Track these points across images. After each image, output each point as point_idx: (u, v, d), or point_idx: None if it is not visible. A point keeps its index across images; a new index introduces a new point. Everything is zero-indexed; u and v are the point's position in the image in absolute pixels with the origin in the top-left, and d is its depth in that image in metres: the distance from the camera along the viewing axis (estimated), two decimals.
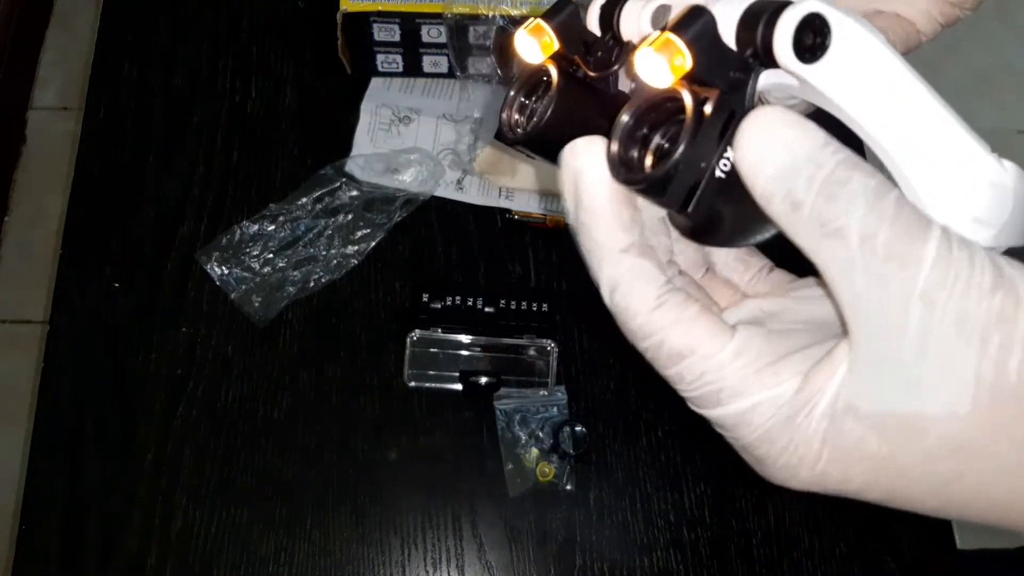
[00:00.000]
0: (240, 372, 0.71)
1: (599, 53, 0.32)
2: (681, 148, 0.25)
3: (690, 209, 0.26)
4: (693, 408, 0.27)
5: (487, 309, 0.70)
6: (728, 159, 0.26)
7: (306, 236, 0.75)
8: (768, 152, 0.23)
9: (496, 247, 0.76)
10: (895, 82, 0.26)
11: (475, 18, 0.74)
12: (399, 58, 0.79)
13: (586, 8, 0.33)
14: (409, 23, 0.75)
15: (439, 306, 0.70)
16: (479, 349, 0.70)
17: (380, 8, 0.74)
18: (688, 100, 0.26)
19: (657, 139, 0.28)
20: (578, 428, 0.69)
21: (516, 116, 0.33)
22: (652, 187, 0.26)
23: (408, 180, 0.77)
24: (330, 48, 0.78)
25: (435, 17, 0.74)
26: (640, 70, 0.26)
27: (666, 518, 0.68)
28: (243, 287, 0.73)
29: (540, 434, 0.70)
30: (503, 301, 0.70)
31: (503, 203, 0.77)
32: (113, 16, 0.85)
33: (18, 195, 1.65)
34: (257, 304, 0.73)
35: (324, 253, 0.75)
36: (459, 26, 0.74)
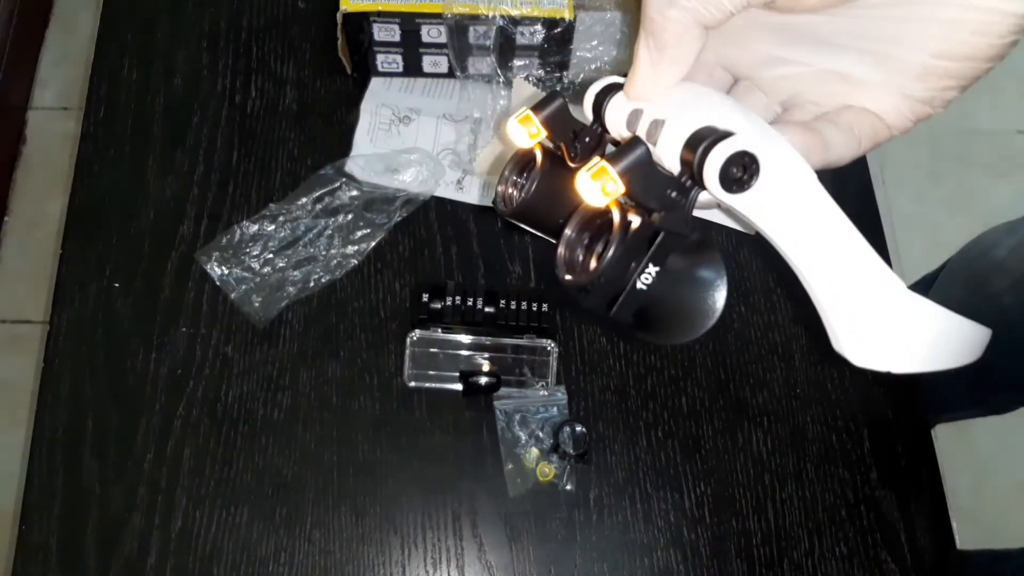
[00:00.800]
0: (240, 372, 0.71)
1: (587, 139, 0.36)
2: (604, 261, 0.30)
3: (612, 312, 0.31)
4: None
5: (487, 309, 0.70)
6: (651, 273, 0.30)
7: (306, 236, 0.75)
8: None
9: (496, 247, 0.76)
10: (819, 217, 0.30)
11: (475, 18, 0.74)
12: (399, 58, 0.79)
13: (581, 98, 0.36)
14: (409, 23, 0.75)
15: (439, 306, 0.70)
16: (479, 349, 0.70)
17: (380, 8, 0.74)
18: (616, 219, 0.30)
19: (599, 247, 0.33)
20: (578, 428, 0.69)
21: (510, 191, 0.38)
22: (581, 289, 0.31)
23: (408, 180, 0.77)
24: (330, 48, 0.78)
25: (435, 17, 0.74)
26: (580, 191, 0.30)
27: (666, 518, 0.68)
28: (243, 287, 0.73)
29: (540, 434, 0.70)
30: (503, 301, 0.70)
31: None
32: (113, 16, 0.85)
33: (18, 195, 1.65)
34: (257, 304, 0.73)
35: (324, 253, 0.75)
36: (459, 26, 0.74)
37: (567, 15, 0.75)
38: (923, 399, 0.71)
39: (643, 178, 0.30)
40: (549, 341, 0.70)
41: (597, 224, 0.33)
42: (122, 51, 0.83)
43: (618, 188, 0.29)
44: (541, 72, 0.78)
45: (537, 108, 0.35)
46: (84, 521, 0.66)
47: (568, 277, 0.33)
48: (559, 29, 0.75)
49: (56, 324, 0.72)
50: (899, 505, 0.70)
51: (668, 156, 0.31)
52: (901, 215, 1.65)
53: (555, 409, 0.70)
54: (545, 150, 0.36)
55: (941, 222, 1.64)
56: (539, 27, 0.75)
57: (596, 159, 0.30)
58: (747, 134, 0.29)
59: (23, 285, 1.57)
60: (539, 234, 0.37)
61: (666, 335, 0.32)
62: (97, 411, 0.69)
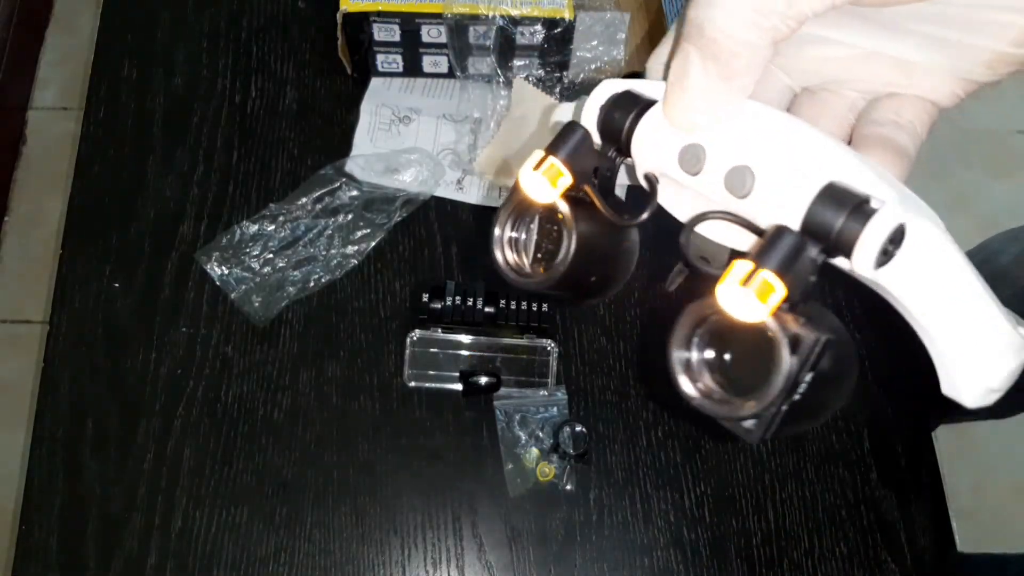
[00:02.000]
0: (240, 372, 0.71)
1: (607, 172, 0.30)
2: (777, 391, 0.24)
3: (769, 435, 0.26)
4: None
5: (487, 309, 0.70)
6: (806, 382, 0.24)
7: (306, 236, 0.75)
8: None
9: None
10: (952, 277, 0.26)
11: (475, 18, 0.74)
12: (399, 58, 0.79)
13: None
14: (409, 23, 0.75)
15: (439, 306, 0.70)
16: (479, 349, 0.70)
17: (380, 8, 0.74)
18: (780, 337, 0.24)
19: (726, 361, 0.27)
20: (578, 428, 0.69)
21: (511, 256, 0.31)
22: (736, 426, 0.26)
23: (408, 180, 0.77)
24: (330, 48, 0.78)
25: (435, 17, 0.74)
26: (728, 309, 0.24)
27: (666, 518, 0.68)
28: (243, 287, 0.73)
29: (540, 434, 0.70)
30: (503, 301, 0.70)
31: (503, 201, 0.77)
32: (113, 16, 0.85)
33: (18, 195, 1.65)
34: (257, 304, 0.73)
35: (324, 253, 0.75)
36: (459, 26, 0.74)
37: (567, 15, 0.75)
38: (924, 403, 0.71)
39: (795, 274, 0.24)
40: (549, 341, 0.70)
41: (718, 331, 0.26)
42: (122, 51, 0.83)
43: (779, 296, 0.24)
44: (541, 72, 0.78)
45: (555, 147, 0.28)
46: (84, 521, 0.66)
47: (721, 410, 0.26)
48: (559, 29, 0.75)
49: (56, 324, 0.72)
50: (899, 505, 0.70)
51: (765, 216, 0.26)
52: None
53: (555, 409, 0.70)
54: (570, 199, 0.29)
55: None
56: (539, 27, 0.75)
57: (741, 265, 0.24)
58: (890, 197, 0.25)
59: (23, 285, 1.57)
60: (572, 302, 0.32)
61: (800, 428, 0.27)
62: (97, 411, 0.69)
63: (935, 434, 0.75)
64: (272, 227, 0.75)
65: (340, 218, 0.75)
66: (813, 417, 0.26)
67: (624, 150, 0.29)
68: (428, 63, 0.80)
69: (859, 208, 0.24)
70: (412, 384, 0.70)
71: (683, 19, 0.27)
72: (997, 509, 1.44)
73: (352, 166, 0.77)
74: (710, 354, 0.27)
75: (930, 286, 0.25)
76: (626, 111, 0.29)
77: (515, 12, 0.74)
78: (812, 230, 0.25)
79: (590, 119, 0.29)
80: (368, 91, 0.81)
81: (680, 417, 0.71)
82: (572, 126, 0.29)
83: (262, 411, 0.70)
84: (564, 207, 0.28)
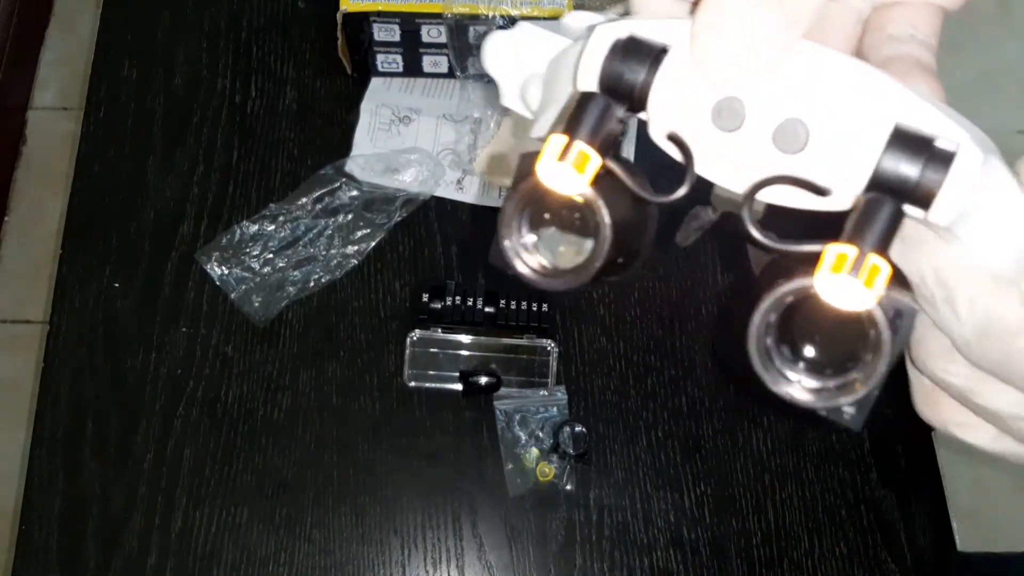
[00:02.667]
0: (240, 372, 0.71)
1: (619, 136, 0.25)
2: (879, 373, 0.22)
3: (864, 423, 0.24)
4: None
5: (487, 309, 0.70)
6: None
7: (306, 236, 0.75)
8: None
9: None
10: (1014, 208, 0.24)
11: (475, 18, 0.74)
12: (399, 58, 0.79)
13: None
14: (409, 23, 0.75)
15: (439, 306, 0.70)
16: (479, 349, 0.70)
17: (380, 8, 0.74)
18: (879, 319, 0.22)
19: (816, 347, 0.24)
20: (578, 428, 0.69)
21: (533, 261, 0.27)
22: (836, 412, 0.23)
23: (408, 180, 0.77)
24: (330, 48, 0.78)
25: (435, 17, 0.74)
26: (832, 301, 0.22)
27: (666, 518, 0.68)
28: (243, 287, 0.73)
29: (540, 434, 0.70)
30: (503, 301, 0.70)
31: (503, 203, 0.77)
32: (113, 16, 0.85)
33: (18, 195, 1.65)
34: (257, 304, 0.73)
35: (324, 253, 0.75)
36: (459, 26, 0.74)
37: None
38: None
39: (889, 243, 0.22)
40: (549, 341, 0.70)
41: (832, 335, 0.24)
42: (122, 51, 0.83)
43: (885, 277, 0.21)
44: None
45: (576, 127, 0.24)
46: (84, 521, 0.66)
47: (819, 401, 0.24)
48: None
49: (56, 324, 0.72)
50: (899, 505, 0.70)
51: (825, 172, 0.23)
52: None
53: (555, 409, 0.70)
54: (602, 178, 0.24)
55: None
56: None
57: (836, 249, 0.21)
58: (963, 136, 0.22)
59: (23, 285, 1.57)
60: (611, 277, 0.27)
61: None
62: (97, 411, 0.69)
63: (935, 434, 0.75)
64: (272, 227, 0.75)
65: (340, 218, 0.75)
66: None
67: (637, 107, 0.25)
68: (428, 63, 0.80)
69: (934, 153, 0.22)
70: (412, 384, 0.70)
71: None
72: (997, 509, 1.44)
73: (352, 166, 0.77)
74: (794, 342, 0.24)
75: (995, 221, 0.23)
76: (637, 63, 0.24)
77: (515, 12, 0.74)
78: (885, 183, 0.22)
79: (590, 76, 0.25)
80: (368, 91, 0.81)
81: (680, 417, 0.71)
82: (587, 98, 0.24)
83: (262, 411, 0.70)
84: (592, 194, 0.24)
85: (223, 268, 0.73)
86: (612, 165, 0.24)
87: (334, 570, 0.66)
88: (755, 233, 0.23)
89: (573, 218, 0.26)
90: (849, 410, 0.23)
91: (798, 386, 0.24)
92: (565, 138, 0.23)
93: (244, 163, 0.78)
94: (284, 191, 0.77)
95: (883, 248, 0.22)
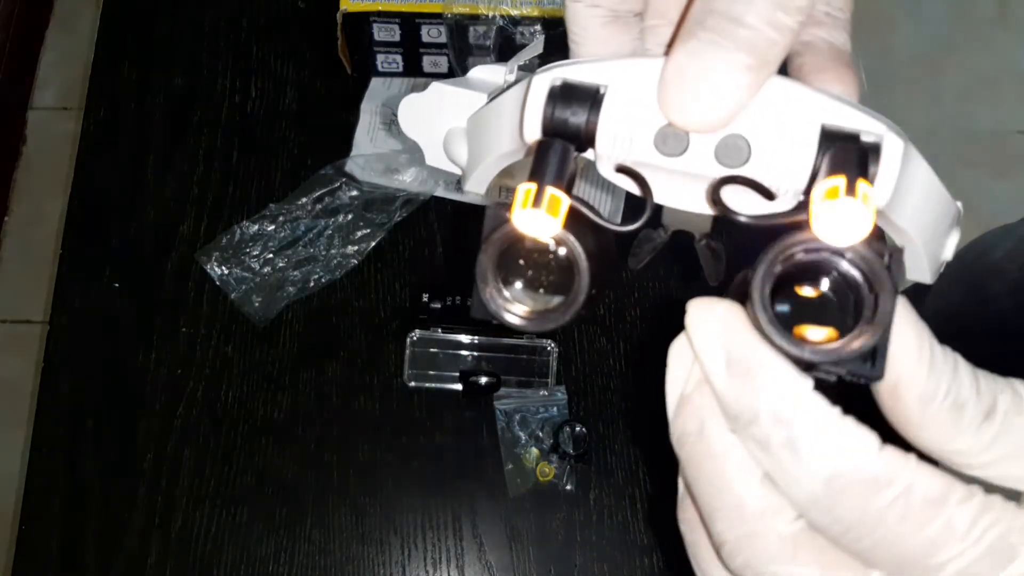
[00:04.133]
0: (240, 372, 0.71)
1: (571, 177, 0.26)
2: (889, 310, 0.22)
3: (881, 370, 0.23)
4: None
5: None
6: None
7: (306, 236, 0.75)
8: (922, 352, 0.21)
9: None
10: (924, 180, 0.26)
11: (475, 18, 0.74)
12: (399, 58, 0.79)
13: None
14: (409, 23, 0.75)
15: (439, 306, 0.70)
16: (479, 349, 0.70)
17: (380, 8, 0.74)
18: (876, 262, 0.22)
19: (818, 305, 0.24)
20: (578, 428, 0.69)
21: (520, 309, 0.27)
22: (856, 365, 0.23)
23: (408, 180, 0.77)
24: (330, 48, 0.78)
25: (435, 17, 0.74)
26: (839, 234, 0.22)
27: (666, 518, 0.68)
28: (243, 287, 0.73)
29: (540, 434, 0.70)
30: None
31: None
32: (113, 16, 0.85)
33: (18, 195, 1.65)
34: (257, 304, 0.73)
35: (324, 253, 0.75)
36: (459, 26, 0.74)
37: None
38: None
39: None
40: (549, 341, 0.70)
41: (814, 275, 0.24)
42: (122, 51, 0.83)
43: (875, 199, 0.23)
44: None
45: (543, 173, 0.25)
46: (84, 521, 0.66)
47: (842, 355, 0.23)
48: (559, 29, 0.75)
49: (56, 324, 0.72)
50: None
51: (768, 179, 0.25)
52: None
53: (555, 409, 0.70)
54: (571, 218, 0.25)
55: None
56: (539, 27, 0.75)
57: (828, 183, 0.22)
58: (879, 127, 0.24)
59: (23, 285, 1.57)
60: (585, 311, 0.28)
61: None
62: (97, 411, 0.69)
63: None
64: (272, 227, 0.75)
65: (340, 218, 0.75)
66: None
67: (584, 147, 0.26)
68: (428, 63, 0.80)
69: (861, 146, 0.24)
70: (412, 384, 0.70)
71: (696, 13, 0.24)
72: None
73: (352, 166, 0.77)
74: (796, 310, 0.25)
75: (914, 195, 0.25)
76: (578, 106, 0.26)
77: (515, 12, 0.74)
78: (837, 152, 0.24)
79: (534, 125, 0.26)
80: (368, 91, 0.81)
81: None
82: (547, 144, 0.26)
83: (262, 411, 0.70)
84: (568, 235, 0.25)
85: (223, 268, 0.73)
86: (577, 204, 0.25)
87: (334, 570, 0.66)
88: (739, 216, 0.24)
89: (547, 260, 0.27)
90: (869, 365, 0.23)
91: (812, 348, 0.23)
92: (534, 185, 0.25)
93: (244, 163, 0.78)
94: (284, 191, 0.77)
95: (865, 174, 0.23)
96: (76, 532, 0.66)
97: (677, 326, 0.26)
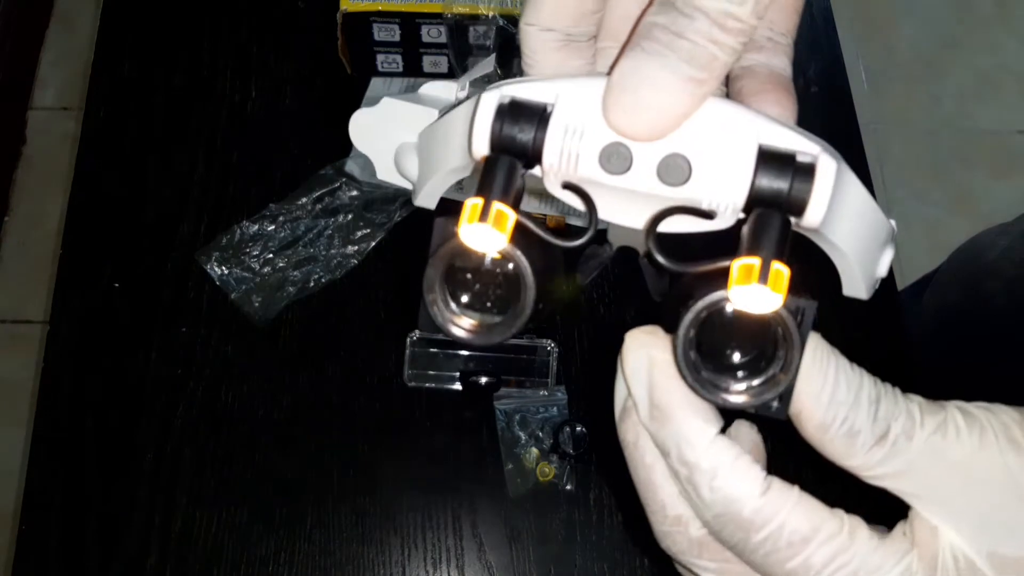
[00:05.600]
0: (240, 372, 0.71)
1: (521, 188, 0.27)
2: (793, 370, 0.25)
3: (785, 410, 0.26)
4: None
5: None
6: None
7: (306, 236, 0.75)
8: (824, 385, 0.25)
9: None
10: (857, 199, 0.27)
11: (475, 18, 0.74)
12: (399, 58, 0.79)
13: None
14: (409, 23, 0.75)
15: None
16: (479, 349, 0.70)
17: (380, 8, 0.74)
18: (789, 321, 0.25)
19: (737, 352, 0.27)
20: (578, 428, 0.69)
21: (466, 323, 0.29)
22: (764, 407, 0.26)
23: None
24: (330, 48, 0.78)
25: (435, 17, 0.74)
26: (747, 308, 0.24)
27: None
28: (243, 287, 0.73)
29: (540, 434, 0.70)
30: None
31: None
32: (113, 16, 0.85)
33: (18, 195, 1.65)
34: (257, 304, 0.73)
35: (324, 253, 0.75)
36: (459, 26, 0.74)
37: None
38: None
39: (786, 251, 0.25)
40: (549, 341, 0.70)
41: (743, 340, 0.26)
42: (122, 51, 0.83)
43: (787, 280, 0.24)
44: None
45: (490, 188, 0.26)
46: (84, 521, 0.66)
47: (751, 402, 0.26)
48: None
49: (56, 324, 0.72)
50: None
51: (708, 198, 0.26)
52: (901, 215, 1.65)
53: (555, 409, 0.70)
54: (518, 233, 0.26)
55: (941, 222, 1.64)
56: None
57: (744, 262, 0.24)
58: (813, 148, 0.25)
59: (23, 285, 1.57)
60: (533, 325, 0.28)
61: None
62: (97, 411, 0.69)
63: None
64: (272, 227, 0.75)
65: (340, 218, 0.75)
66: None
67: (531, 164, 0.27)
68: (428, 63, 0.80)
69: (797, 166, 0.25)
70: (412, 384, 0.70)
71: (643, 27, 0.25)
72: None
73: (352, 166, 0.77)
74: (716, 351, 0.27)
75: (848, 215, 0.26)
76: (525, 123, 0.26)
77: (515, 12, 0.74)
78: (762, 198, 0.25)
79: (482, 141, 0.26)
80: (368, 91, 0.81)
81: None
82: (494, 160, 0.26)
83: (262, 411, 0.70)
84: (514, 249, 0.26)
85: (223, 268, 0.73)
86: (524, 220, 0.26)
87: (334, 570, 0.66)
88: (663, 261, 0.26)
89: (494, 274, 0.28)
90: (775, 403, 0.26)
91: (728, 391, 0.26)
92: (481, 200, 0.25)
93: (244, 163, 0.78)
94: (284, 191, 0.77)
95: (781, 254, 0.24)
96: (76, 532, 0.66)
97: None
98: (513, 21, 0.74)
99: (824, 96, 0.84)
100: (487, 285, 0.29)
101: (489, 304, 0.29)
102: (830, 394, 0.24)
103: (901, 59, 1.80)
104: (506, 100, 0.27)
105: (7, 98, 1.69)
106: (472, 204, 0.25)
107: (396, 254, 0.76)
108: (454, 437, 0.70)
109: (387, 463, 0.69)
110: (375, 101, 0.85)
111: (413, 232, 0.77)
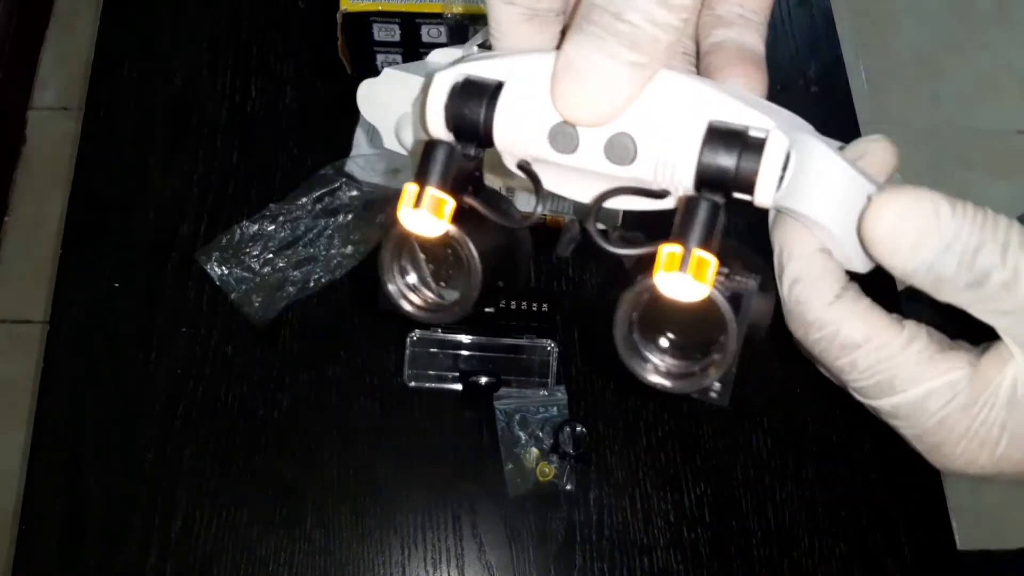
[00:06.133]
0: (240, 372, 0.71)
1: (475, 171, 0.28)
2: (729, 354, 0.25)
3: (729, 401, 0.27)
4: (861, 399, 0.27)
5: (487, 309, 0.70)
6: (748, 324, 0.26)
7: (306, 236, 0.75)
8: (904, 240, 0.24)
9: None
10: (833, 173, 0.26)
11: (475, 18, 0.74)
12: (399, 58, 0.79)
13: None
14: (409, 23, 0.75)
15: None
16: (479, 349, 0.70)
17: (380, 8, 0.74)
18: (724, 308, 0.25)
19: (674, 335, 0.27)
20: (578, 428, 0.69)
21: (417, 299, 0.29)
22: (703, 392, 0.27)
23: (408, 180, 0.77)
24: (330, 48, 0.78)
25: (435, 17, 0.74)
26: (671, 294, 0.24)
27: (666, 518, 0.68)
28: (243, 287, 0.73)
29: (540, 434, 0.70)
30: (503, 301, 0.70)
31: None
32: (113, 16, 0.85)
33: (18, 195, 1.65)
34: (257, 304, 0.73)
35: (324, 253, 0.75)
36: (459, 26, 0.74)
37: None
38: None
39: (716, 235, 0.25)
40: (549, 341, 0.70)
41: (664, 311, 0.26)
42: (122, 51, 0.83)
43: (713, 268, 0.24)
44: None
45: (426, 175, 0.26)
46: (84, 521, 0.66)
47: (685, 386, 0.27)
48: None
49: (56, 324, 0.72)
50: (899, 505, 0.70)
51: (657, 176, 0.26)
52: None
53: (555, 409, 0.70)
54: (454, 217, 0.26)
55: None
56: None
57: (667, 249, 0.24)
58: (768, 123, 0.25)
59: (23, 285, 1.57)
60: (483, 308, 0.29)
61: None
62: (97, 410, 0.69)
63: None
64: (272, 227, 0.75)
65: (340, 218, 0.75)
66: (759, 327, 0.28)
67: (485, 143, 0.27)
68: None
69: (746, 143, 0.24)
70: (412, 384, 0.70)
71: (583, 7, 0.25)
72: (997, 508, 1.44)
73: (352, 166, 0.77)
74: (657, 333, 0.27)
75: (821, 189, 0.26)
76: (476, 102, 0.26)
77: None
78: (709, 178, 0.25)
79: (437, 121, 0.27)
80: None
81: (680, 417, 0.71)
82: (432, 145, 0.27)
83: (262, 411, 0.70)
84: (456, 232, 0.26)
85: (223, 268, 0.73)
86: (471, 201, 0.27)
87: (334, 570, 0.66)
88: (600, 242, 0.26)
89: (446, 254, 0.29)
90: (716, 387, 0.26)
91: (663, 373, 0.27)
92: (416, 187, 0.26)
93: (244, 163, 0.78)
94: (284, 191, 0.77)
95: (706, 242, 0.24)
96: (76, 532, 0.66)
97: None
98: None
99: (824, 96, 0.84)
100: (441, 266, 0.29)
101: (443, 284, 0.30)
102: (910, 250, 0.24)
103: (901, 59, 1.80)
104: (460, 79, 0.27)
105: (7, 98, 1.68)
106: (409, 191, 0.26)
107: None
108: (454, 437, 0.70)
109: (387, 463, 0.69)
110: None
111: None
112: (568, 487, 0.69)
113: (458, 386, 0.70)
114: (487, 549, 0.67)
